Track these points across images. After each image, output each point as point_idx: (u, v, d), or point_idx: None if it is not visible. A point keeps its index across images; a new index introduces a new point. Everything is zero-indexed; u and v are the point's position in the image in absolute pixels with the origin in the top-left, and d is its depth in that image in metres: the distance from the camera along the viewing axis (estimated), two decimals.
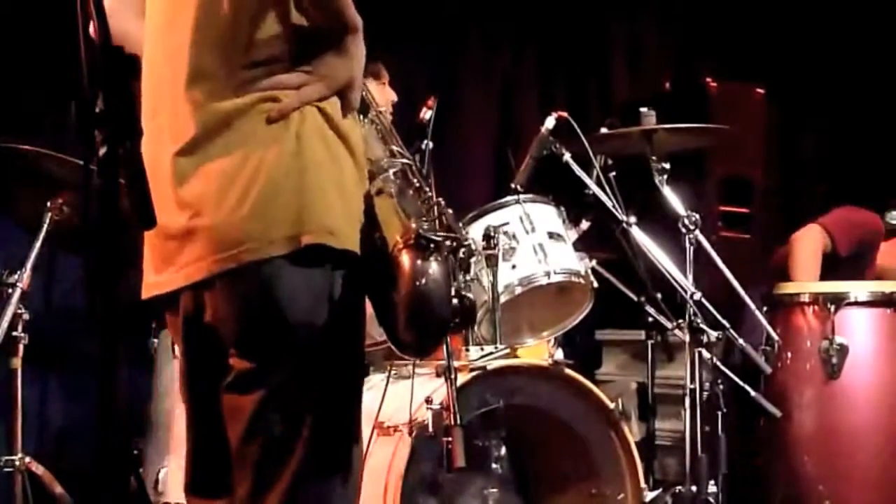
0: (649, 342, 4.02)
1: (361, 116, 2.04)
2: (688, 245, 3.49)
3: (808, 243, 4.08)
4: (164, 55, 1.96)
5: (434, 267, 1.88)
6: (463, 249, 2.03)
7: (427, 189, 2.09)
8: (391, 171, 2.02)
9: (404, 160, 2.07)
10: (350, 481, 1.95)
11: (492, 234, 3.38)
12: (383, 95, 3.58)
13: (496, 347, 3.32)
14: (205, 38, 1.90)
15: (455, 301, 1.91)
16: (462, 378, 3.04)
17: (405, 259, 1.89)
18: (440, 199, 2.13)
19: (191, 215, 1.88)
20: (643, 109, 3.71)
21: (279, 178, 1.85)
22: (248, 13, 1.87)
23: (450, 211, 2.18)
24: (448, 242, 1.93)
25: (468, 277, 3.28)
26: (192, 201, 1.88)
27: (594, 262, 3.59)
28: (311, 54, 1.91)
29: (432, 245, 1.90)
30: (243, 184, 1.84)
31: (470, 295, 1.96)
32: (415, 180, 2.07)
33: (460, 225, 3.46)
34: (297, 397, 1.88)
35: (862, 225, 4.30)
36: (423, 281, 1.87)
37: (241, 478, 1.92)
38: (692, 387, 3.45)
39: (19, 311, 3.29)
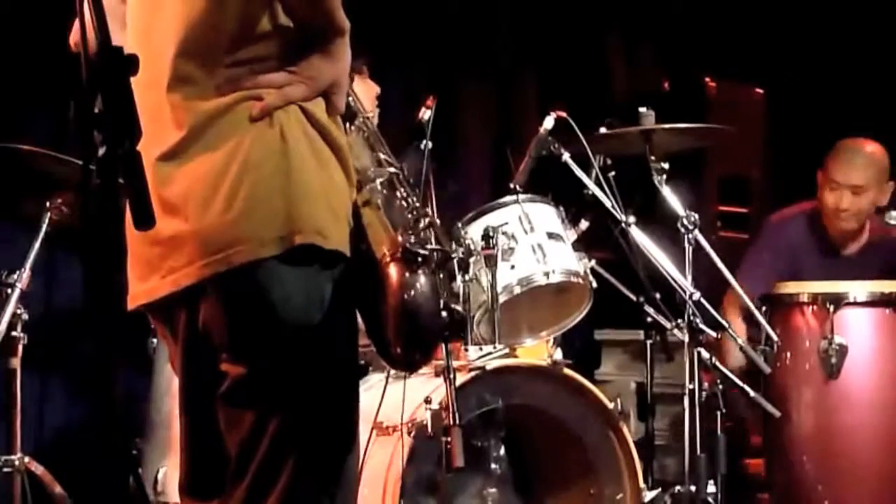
0: (648, 342, 4.01)
1: (347, 123, 2.03)
2: (687, 245, 3.50)
3: (732, 308, 4.03)
4: (144, 60, 1.94)
5: (422, 280, 1.87)
6: (451, 262, 2.00)
7: (415, 199, 2.06)
8: (378, 182, 2.00)
9: (391, 169, 2.05)
10: (348, 484, 1.95)
11: (491, 234, 3.37)
12: (366, 88, 3.53)
13: (495, 347, 3.32)
14: (186, 40, 1.87)
15: (444, 314, 1.89)
16: (461, 378, 3.04)
17: (393, 272, 1.87)
18: (428, 209, 2.11)
19: (176, 220, 1.85)
20: (642, 109, 3.71)
21: (266, 179, 1.83)
22: (233, 14, 1.85)
23: (438, 222, 2.17)
24: (436, 255, 1.92)
25: (467, 278, 3.30)
26: (177, 205, 1.86)
27: (593, 262, 3.58)
28: (296, 55, 1.89)
29: (420, 258, 1.88)
30: (229, 185, 1.82)
31: (459, 308, 1.96)
32: (402, 190, 2.04)
33: (459, 225, 3.47)
34: (295, 402, 1.87)
35: (776, 254, 4.20)
36: (412, 294, 1.86)
37: (239, 482, 1.91)
38: (691, 387, 3.45)
39: (18, 312, 3.30)
